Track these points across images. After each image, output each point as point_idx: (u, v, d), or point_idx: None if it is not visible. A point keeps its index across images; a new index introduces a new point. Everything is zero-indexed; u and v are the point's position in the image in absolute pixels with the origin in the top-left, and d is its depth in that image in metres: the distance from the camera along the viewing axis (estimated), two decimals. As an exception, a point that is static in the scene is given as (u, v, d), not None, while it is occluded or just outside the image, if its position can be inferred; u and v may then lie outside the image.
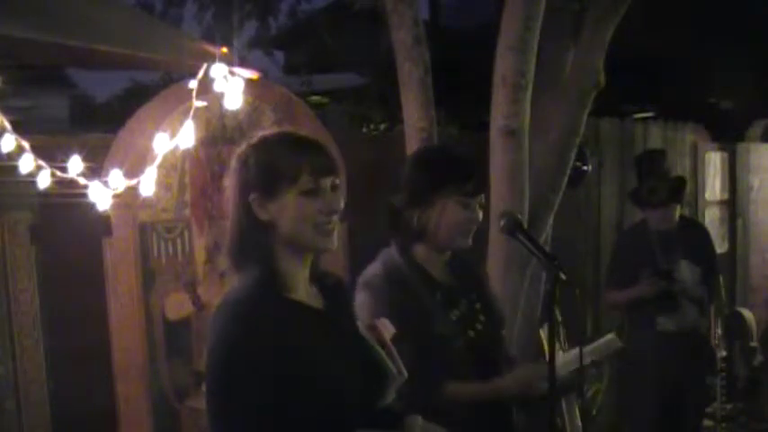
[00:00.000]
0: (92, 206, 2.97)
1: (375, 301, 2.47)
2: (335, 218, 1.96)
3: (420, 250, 2.60)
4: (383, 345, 2.04)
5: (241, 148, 2.02)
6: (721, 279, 4.79)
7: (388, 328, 2.09)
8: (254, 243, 1.93)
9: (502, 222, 2.52)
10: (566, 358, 2.52)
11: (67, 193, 2.90)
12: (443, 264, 2.64)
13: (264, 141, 2.00)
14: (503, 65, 3.85)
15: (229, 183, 2.00)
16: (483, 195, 2.62)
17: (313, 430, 1.84)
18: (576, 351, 2.44)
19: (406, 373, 2.03)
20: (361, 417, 1.91)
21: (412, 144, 3.98)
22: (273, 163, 1.93)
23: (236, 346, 1.81)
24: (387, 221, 2.64)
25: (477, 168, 2.65)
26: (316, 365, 1.86)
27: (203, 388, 3.18)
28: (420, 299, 2.52)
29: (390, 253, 2.61)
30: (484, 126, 4.02)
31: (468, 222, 2.55)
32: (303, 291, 1.98)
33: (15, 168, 2.83)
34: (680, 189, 4.55)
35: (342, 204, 1.97)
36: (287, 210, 1.91)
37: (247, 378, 1.79)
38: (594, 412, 2.83)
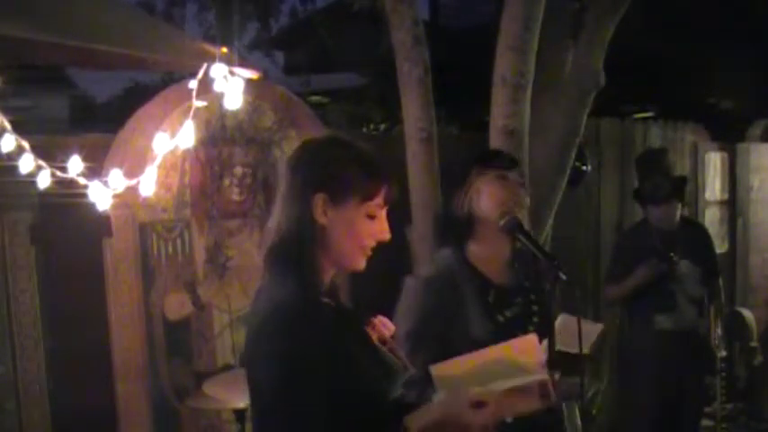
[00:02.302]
0: (92, 206, 2.97)
1: (408, 305, 2.55)
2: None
3: (474, 250, 2.63)
4: (384, 342, 2.05)
5: (307, 143, 1.99)
6: (721, 281, 4.77)
7: (387, 326, 2.10)
8: (302, 244, 1.89)
9: (502, 222, 2.53)
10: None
11: (67, 193, 2.90)
12: (502, 263, 2.65)
13: (346, 147, 1.97)
14: (502, 65, 3.85)
15: (286, 178, 1.94)
16: (521, 175, 2.65)
17: (361, 427, 1.85)
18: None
19: (411, 369, 2.04)
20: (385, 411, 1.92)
21: (412, 144, 3.98)
22: (354, 173, 1.91)
23: (294, 352, 1.78)
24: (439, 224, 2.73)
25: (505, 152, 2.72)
26: (358, 364, 1.87)
27: (204, 388, 3.19)
28: (464, 301, 2.54)
29: (444, 254, 2.65)
30: (484, 126, 4.02)
31: (509, 195, 2.56)
32: (326, 294, 1.98)
33: (15, 168, 2.83)
34: (682, 187, 4.55)
35: (389, 237, 1.97)
36: (346, 223, 1.90)
37: (309, 381, 1.78)
38: (594, 412, 2.83)
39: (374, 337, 2.05)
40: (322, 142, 2.00)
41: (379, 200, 1.93)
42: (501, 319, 2.56)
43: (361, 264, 1.96)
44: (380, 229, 1.95)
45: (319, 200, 1.88)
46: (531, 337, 2.19)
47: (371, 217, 1.93)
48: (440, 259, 2.66)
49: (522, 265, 2.68)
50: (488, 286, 2.59)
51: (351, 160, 1.92)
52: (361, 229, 1.92)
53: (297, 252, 1.89)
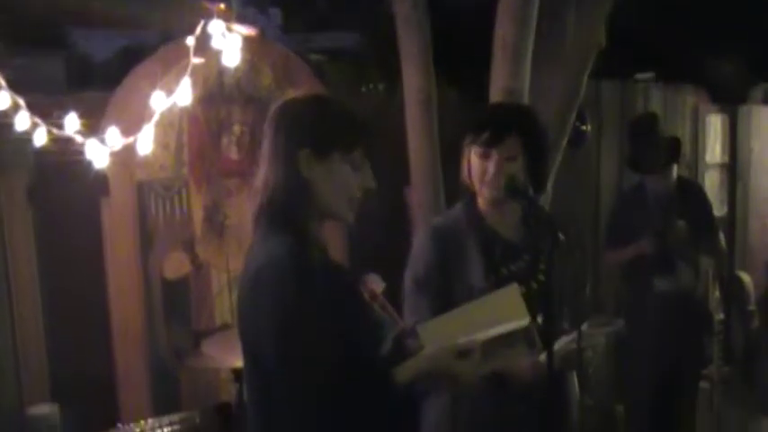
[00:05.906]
0: (89, 165, 2.96)
1: (416, 252, 2.60)
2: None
3: (482, 205, 2.66)
4: (374, 297, 2.09)
5: (287, 102, 2.02)
6: (722, 237, 4.73)
7: (377, 283, 2.14)
8: (291, 199, 1.94)
9: (503, 183, 2.52)
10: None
11: (64, 150, 2.89)
12: (512, 220, 2.66)
13: (324, 102, 2.05)
14: (503, 26, 3.81)
15: (269, 137, 1.98)
16: (516, 149, 2.54)
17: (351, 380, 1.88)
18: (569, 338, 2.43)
19: (401, 322, 2.08)
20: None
21: (411, 106, 3.96)
22: (335, 126, 1.98)
23: (290, 304, 1.82)
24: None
25: (502, 121, 2.62)
26: (348, 318, 1.91)
27: (203, 348, 3.20)
28: (469, 252, 2.58)
29: (457, 206, 2.72)
30: (484, 89, 3.98)
31: (487, 175, 2.56)
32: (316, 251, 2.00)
33: (11, 126, 2.81)
34: (674, 151, 4.50)
35: (375, 185, 2.03)
36: (333, 175, 1.96)
37: (307, 333, 1.81)
38: (591, 371, 2.83)
39: (366, 293, 2.07)
40: (302, 101, 2.03)
41: (359, 151, 1.99)
42: (505, 271, 2.59)
43: (350, 215, 2.03)
44: (365, 178, 2.01)
45: (304, 156, 1.93)
46: (513, 287, 2.25)
47: (356, 168, 1.99)
48: (451, 211, 2.73)
49: (537, 224, 2.65)
50: (495, 240, 2.63)
51: (331, 115, 2.00)
52: (349, 182, 1.99)
53: (286, 208, 1.94)
